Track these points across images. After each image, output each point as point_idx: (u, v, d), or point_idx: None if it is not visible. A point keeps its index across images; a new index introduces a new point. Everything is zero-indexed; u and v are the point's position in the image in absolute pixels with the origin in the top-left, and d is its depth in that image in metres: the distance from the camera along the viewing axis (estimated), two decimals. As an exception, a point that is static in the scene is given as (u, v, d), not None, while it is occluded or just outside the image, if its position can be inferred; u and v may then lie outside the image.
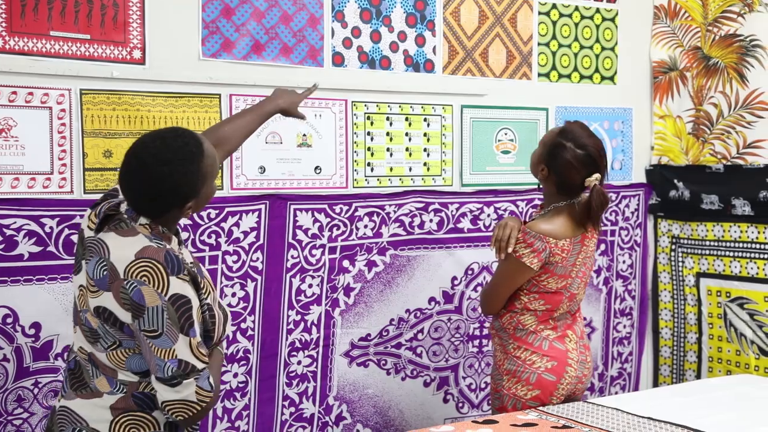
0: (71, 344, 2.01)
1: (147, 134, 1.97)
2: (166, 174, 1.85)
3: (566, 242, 2.54)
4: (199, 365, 1.85)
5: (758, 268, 3.56)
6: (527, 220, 2.89)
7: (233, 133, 2.33)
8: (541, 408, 2.54)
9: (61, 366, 2.59)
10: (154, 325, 1.81)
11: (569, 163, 2.52)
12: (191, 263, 2.02)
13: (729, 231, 3.66)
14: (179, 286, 1.84)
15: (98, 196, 2.06)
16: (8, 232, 2.50)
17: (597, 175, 2.55)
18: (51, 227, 2.55)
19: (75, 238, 2.35)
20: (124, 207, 1.92)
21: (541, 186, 2.68)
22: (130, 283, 1.81)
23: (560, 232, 2.53)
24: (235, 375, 2.95)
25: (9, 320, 2.53)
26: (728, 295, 3.69)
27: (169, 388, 1.83)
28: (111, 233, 1.88)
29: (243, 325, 2.95)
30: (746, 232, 3.60)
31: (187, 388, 1.83)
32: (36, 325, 2.57)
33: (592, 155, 2.53)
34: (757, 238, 3.55)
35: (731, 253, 3.66)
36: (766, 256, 3.53)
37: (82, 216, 2.03)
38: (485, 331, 3.50)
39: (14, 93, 2.52)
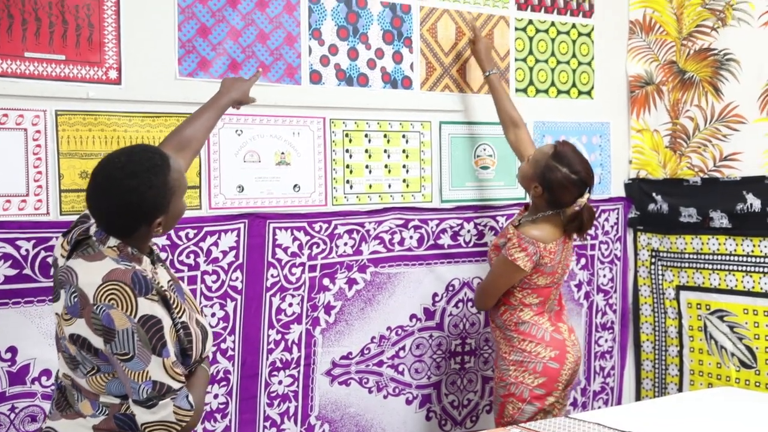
0: (58, 368, 2.00)
1: (112, 152, 1.98)
2: (133, 187, 1.86)
3: (553, 245, 2.86)
4: (175, 385, 1.85)
5: (737, 280, 3.58)
6: (514, 223, 3.01)
7: (195, 134, 2.35)
8: (523, 425, 2.59)
9: (38, 390, 2.56)
10: (126, 348, 1.80)
11: (563, 185, 2.83)
12: (170, 281, 2.01)
13: (707, 244, 3.68)
14: (148, 306, 1.83)
15: (75, 218, 2.05)
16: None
17: (588, 196, 2.88)
18: (27, 250, 2.53)
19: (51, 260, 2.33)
20: (93, 230, 1.91)
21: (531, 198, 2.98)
22: (100, 308, 1.80)
23: (549, 237, 2.85)
24: (216, 396, 2.93)
25: (-16, 345, 2.51)
26: (708, 307, 3.71)
27: (146, 410, 1.83)
28: (78, 259, 1.88)
29: (223, 346, 2.93)
30: (724, 244, 3.62)
31: (164, 408, 1.83)
32: (12, 349, 2.54)
33: (584, 180, 2.85)
34: (735, 250, 3.58)
35: (710, 266, 3.68)
36: (744, 268, 3.56)
37: (58, 238, 2.02)
38: (467, 348, 3.50)
39: (-12, 115, 2.51)
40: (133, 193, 1.86)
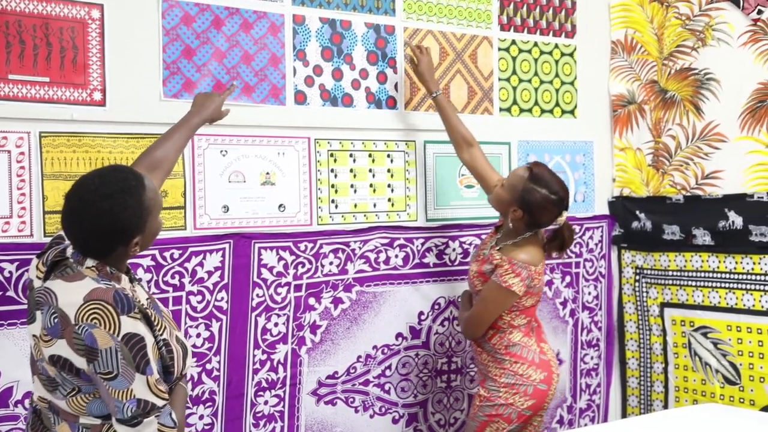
0: (32, 392, 1.98)
1: (85, 174, 1.97)
2: (107, 209, 1.85)
3: (540, 266, 2.89)
4: (159, 402, 1.85)
5: (720, 297, 3.60)
6: (492, 246, 2.98)
7: (166, 155, 2.34)
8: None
9: (22, 413, 2.54)
10: (109, 366, 1.80)
11: (543, 206, 2.83)
12: (147, 300, 2.00)
13: (691, 261, 3.70)
14: (131, 324, 1.83)
15: (56, 239, 2.05)
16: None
17: (566, 214, 2.90)
18: (10, 271, 2.51)
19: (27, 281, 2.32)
20: (70, 251, 1.91)
21: (508, 221, 2.93)
22: (82, 327, 1.79)
23: (537, 260, 2.87)
24: (201, 417, 2.91)
25: (-33, 367, 2.49)
26: (692, 324, 3.72)
27: (131, 429, 1.82)
28: (57, 280, 1.87)
29: (208, 366, 2.91)
30: (707, 261, 3.64)
31: (149, 426, 1.83)
32: (-5, 372, 2.53)
33: (562, 199, 2.86)
34: (718, 267, 3.60)
35: (693, 283, 3.70)
36: (727, 285, 3.57)
37: (33, 260, 2.01)
38: (453, 366, 3.50)
39: (-28, 137, 2.51)
40: (107, 215, 1.85)
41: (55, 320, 1.82)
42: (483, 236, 3.52)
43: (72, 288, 1.84)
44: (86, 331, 1.79)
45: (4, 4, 2.55)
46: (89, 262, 1.89)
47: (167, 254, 2.81)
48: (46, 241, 2.51)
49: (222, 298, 2.94)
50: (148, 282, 2.76)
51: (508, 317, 2.89)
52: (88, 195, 1.86)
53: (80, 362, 1.81)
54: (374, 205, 3.31)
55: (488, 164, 3.17)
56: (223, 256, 2.93)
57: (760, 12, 3.45)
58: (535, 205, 2.82)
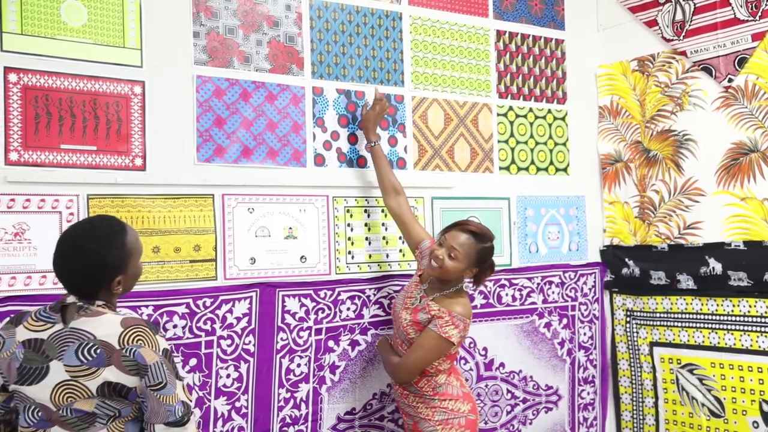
0: None
1: (76, 222, 2.07)
2: (94, 250, 1.92)
3: (471, 319, 2.83)
4: (191, 404, 1.98)
5: (704, 336, 3.56)
6: (422, 297, 2.89)
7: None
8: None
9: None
10: (159, 378, 1.89)
11: (492, 254, 2.86)
12: None
13: (676, 303, 3.67)
14: (164, 341, 1.95)
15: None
16: None
17: None
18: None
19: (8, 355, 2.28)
20: (71, 298, 1.95)
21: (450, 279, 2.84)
22: (129, 350, 1.88)
23: (469, 312, 2.82)
24: (231, 450, 2.91)
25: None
26: (679, 361, 3.67)
27: (179, 429, 1.91)
28: (81, 319, 1.91)
29: (237, 404, 2.91)
30: (691, 304, 3.61)
31: (192, 423, 1.95)
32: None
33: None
34: (701, 309, 3.57)
35: (679, 324, 3.66)
36: (709, 326, 3.54)
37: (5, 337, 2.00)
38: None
39: (28, 200, 2.54)
40: (94, 256, 1.93)
41: (98, 351, 1.87)
42: (486, 282, 3.48)
43: (102, 322, 1.91)
44: (135, 352, 1.88)
45: (59, 83, 2.61)
46: (98, 302, 1.96)
47: (200, 302, 2.82)
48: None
49: (249, 342, 2.94)
50: (183, 328, 2.77)
51: (436, 363, 2.80)
52: (79, 240, 1.94)
53: (132, 381, 1.88)
54: (387, 256, 3.32)
55: (412, 215, 3.11)
56: (251, 303, 2.94)
57: (730, 80, 3.47)
58: (488, 257, 2.82)
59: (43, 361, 1.90)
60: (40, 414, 1.92)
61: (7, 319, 2.06)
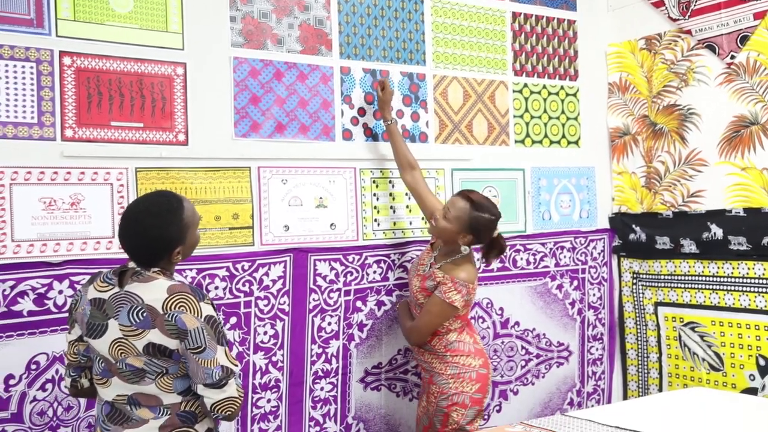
0: (99, 397, 2.04)
1: (136, 199, 2.09)
2: (156, 226, 1.94)
3: (475, 282, 2.82)
4: (235, 368, 1.94)
5: (705, 297, 3.57)
6: (431, 264, 2.90)
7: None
8: (524, 421, 2.57)
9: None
10: (198, 342, 1.89)
11: (489, 227, 2.80)
12: None
13: (679, 266, 3.67)
14: (209, 309, 1.93)
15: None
16: (79, 288, 2.54)
17: (499, 227, 2.85)
18: (113, 281, 2.59)
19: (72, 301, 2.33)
20: (131, 264, 1.98)
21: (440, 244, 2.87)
22: (171, 315, 1.88)
23: (473, 278, 2.80)
24: (269, 401, 2.96)
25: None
26: (682, 320, 3.69)
27: (217, 391, 1.90)
28: (134, 284, 1.94)
29: (274, 359, 2.97)
30: (693, 267, 3.61)
31: (231, 387, 1.92)
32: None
33: (499, 217, 2.83)
34: (702, 272, 3.57)
35: (682, 285, 3.67)
36: (710, 287, 3.54)
37: (81, 292, 2.08)
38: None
39: (82, 173, 2.60)
40: (154, 230, 1.94)
41: (144, 315, 1.89)
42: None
43: (151, 287, 1.92)
44: (176, 317, 1.88)
45: (108, 65, 2.65)
46: (154, 269, 1.97)
47: (239, 266, 2.87)
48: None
49: (284, 302, 2.99)
50: (224, 289, 2.83)
51: (446, 323, 2.81)
52: (140, 215, 1.96)
53: (173, 344, 1.89)
54: (410, 223, 3.35)
55: (427, 187, 3.11)
56: (285, 267, 2.99)
57: (733, 57, 3.43)
58: (483, 228, 2.77)
59: (104, 319, 1.94)
60: (103, 365, 1.98)
61: (88, 278, 2.13)
